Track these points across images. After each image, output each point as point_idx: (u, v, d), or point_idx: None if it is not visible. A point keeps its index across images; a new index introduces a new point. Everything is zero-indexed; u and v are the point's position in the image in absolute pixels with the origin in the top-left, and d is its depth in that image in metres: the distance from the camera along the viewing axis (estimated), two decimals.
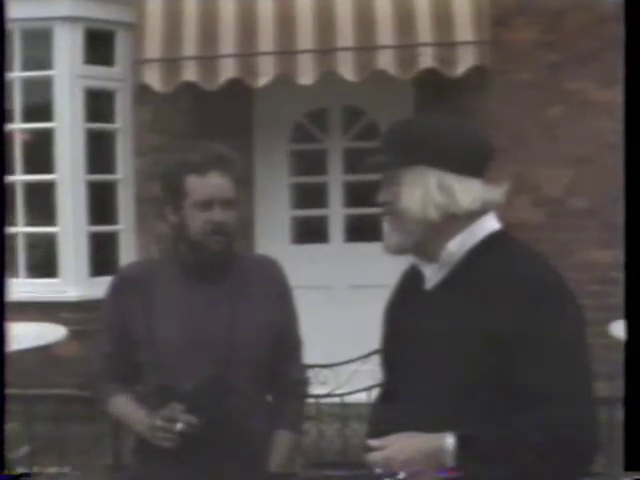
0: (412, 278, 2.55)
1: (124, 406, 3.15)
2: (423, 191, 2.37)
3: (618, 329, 5.22)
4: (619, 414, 5.17)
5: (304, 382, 3.35)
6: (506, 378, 2.23)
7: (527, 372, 2.22)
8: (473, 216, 2.40)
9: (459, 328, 2.30)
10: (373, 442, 2.31)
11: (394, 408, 2.43)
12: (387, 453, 2.27)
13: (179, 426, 2.87)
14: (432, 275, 2.44)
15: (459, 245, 2.39)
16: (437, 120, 2.51)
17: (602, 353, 6.35)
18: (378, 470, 2.31)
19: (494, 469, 2.20)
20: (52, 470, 6.11)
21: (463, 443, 2.20)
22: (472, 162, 2.40)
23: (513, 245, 2.42)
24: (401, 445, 2.27)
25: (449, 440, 2.21)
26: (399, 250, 2.47)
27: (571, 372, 2.23)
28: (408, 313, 2.50)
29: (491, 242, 2.41)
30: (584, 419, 2.22)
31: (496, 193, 2.42)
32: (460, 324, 2.30)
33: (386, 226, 2.49)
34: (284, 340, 3.18)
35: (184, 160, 3.05)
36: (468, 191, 2.37)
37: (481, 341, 2.25)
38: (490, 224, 2.43)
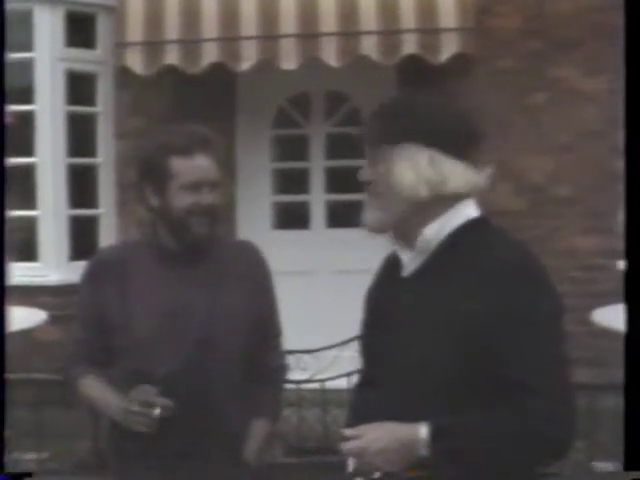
0: (392, 265, 2.53)
1: (96, 389, 3.12)
2: (415, 169, 2.33)
3: (601, 316, 5.23)
4: (600, 401, 5.21)
5: (282, 369, 3.34)
6: (480, 366, 2.22)
7: (501, 361, 2.21)
8: (453, 201, 2.37)
9: (434, 316, 2.29)
10: (348, 431, 2.31)
11: (372, 395, 2.42)
12: (361, 443, 2.26)
13: (157, 412, 2.84)
14: (409, 262, 2.42)
15: (436, 231, 2.37)
16: (427, 100, 2.49)
17: (585, 340, 6.39)
18: (351, 460, 2.32)
19: (468, 459, 2.21)
20: (31, 455, 6.09)
21: (437, 433, 2.20)
22: (461, 144, 2.38)
23: (491, 232, 2.40)
24: (375, 435, 2.26)
25: (423, 430, 2.21)
26: (379, 228, 2.43)
27: (547, 361, 2.22)
28: (386, 300, 2.49)
29: (469, 229, 2.38)
30: (559, 410, 2.21)
31: (480, 177, 2.39)
32: (436, 312, 2.29)
33: (368, 204, 2.45)
34: (263, 327, 3.17)
35: (168, 142, 3.03)
36: (457, 173, 2.35)
37: (455, 329, 2.24)
38: (469, 210, 2.41)
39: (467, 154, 2.38)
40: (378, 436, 2.25)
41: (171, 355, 2.97)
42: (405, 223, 2.39)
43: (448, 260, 2.35)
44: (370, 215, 2.44)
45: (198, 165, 2.99)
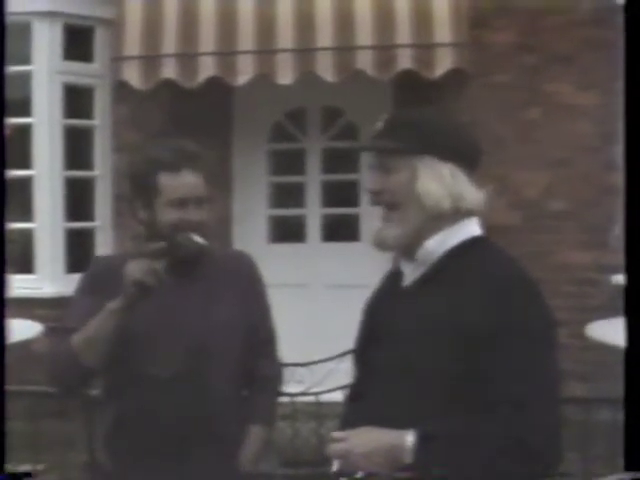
0: (393, 278, 2.56)
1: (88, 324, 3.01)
2: (440, 181, 2.36)
3: (595, 330, 5.25)
4: (594, 415, 5.22)
5: (277, 377, 3.36)
6: (472, 377, 2.24)
7: (491, 373, 2.23)
8: (460, 217, 2.41)
9: (432, 325, 2.31)
10: (336, 434, 2.33)
11: (364, 407, 2.44)
12: (347, 446, 2.28)
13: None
14: (411, 272, 2.45)
15: (437, 244, 2.40)
16: (442, 115, 2.54)
17: (579, 354, 6.42)
18: (336, 462, 2.33)
19: (452, 469, 2.21)
20: (26, 467, 6.09)
21: (422, 442, 2.21)
22: (473, 162, 2.43)
23: (493, 250, 2.43)
24: (362, 439, 2.28)
25: (409, 438, 2.22)
26: (397, 244, 2.43)
27: (536, 376, 2.24)
28: (385, 310, 2.51)
29: (471, 245, 2.41)
30: (544, 423, 2.22)
31: (483, 195, 2.43)
32: (433, 321, 2.31)
33: (384, 217, 2.45)
34: (257, 334, 3.20)
35: (156, 158, 3.06)
36: (472, 189, 2.39)
37: (451, 340, 2.26)
38: (473, 228, 2.44)
39: (475, 172, 2.43)
40: (364, 440, 2.27)
41: (166, 361, 2.99)
42: (419, 235, 2.41)
43: (448, 273, 2.37)
44: (388, 231, 2.43)
45: (184, 181, 3.02)
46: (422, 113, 2.54)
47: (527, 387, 2.21)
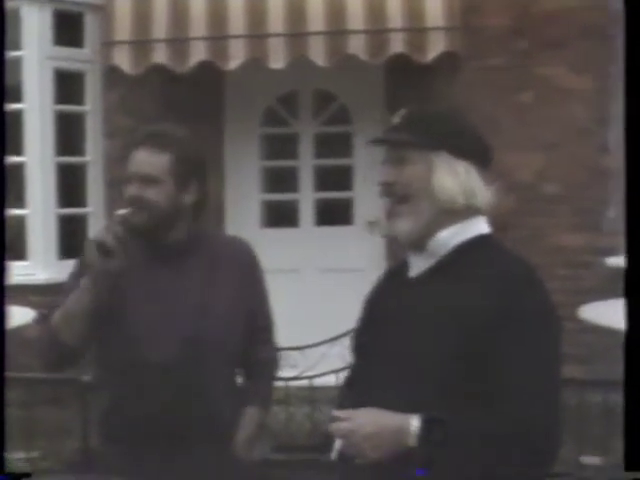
0: (399, 269, 2.57)
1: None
2: (455, 176, 2.39)
3: (588, 313, 5.26)
4: (588, 397, 5.24)
5: (273, 361, 3.35)
6: (470, 368, 2.25)
7: (493, 366, 2.24)
8: (469, 213, 2.43)
9: (436, 315, 2.33)
10: (338, 412, 2.32)
11: (362, 393, 2.44)
12: (350, 425, 2.28)
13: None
14: (419, 263, 2.46)
15: (450, 237, 2.42)
16: (458, 112, 2.62)
17: (573, 337, 6.41)
18: (338, 442, 2.33)
19: (454, 456, 2.22)
20: (20, 454, 6.09)
21: (427, 427, 2.21)
22: (486, 160, 2.48)
23: (500, 248, 2.46)
24: (366, 419, 2.28)
25: (414, 422, 2.22)
26: (409, 237, 2.44)
27: (538, 371, 2.25)
28: (390, 299, 2.52)
29: (480, 242, 2.44)
30: (545, 414, 2.24)
31: (491, 193, 2.47)
32: (437, 312, 2.33)
33: (397, 210, 2.45)
34: (253, 319, 3.19)
35: (128, 139, 3.09)
36: (484, 187, 2.43)
37: (457, 331, 2.27)
38: (482, 226, 2.48)
39: (487, 170, 2.47)
40: (368, 421, 2.27)
41: (162, 346, 2.99)
42: (430, 229, 2.42)
43: (456, 267, 2.39)
44: (401, 224, 2.44)
45: (135, 158, 3.03)
46: (439, 110, 2.62)
47: (528, 379, 2.23)
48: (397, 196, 2.44)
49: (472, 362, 2.25)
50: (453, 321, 2.28)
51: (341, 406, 2.52)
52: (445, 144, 2.40)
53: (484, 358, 2.25)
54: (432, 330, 2.32)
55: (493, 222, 2.50)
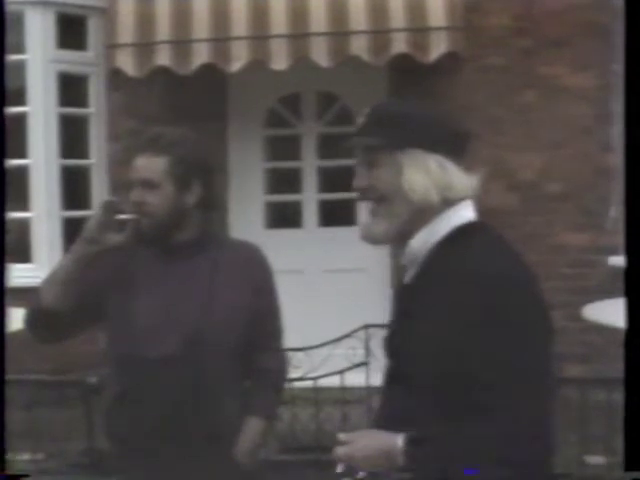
0: (403, 274, 2.54)
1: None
2: (426, 173, 2.32)
3: (591, 312, 5.26)
4: (590, 395, 5.24)
5: (280, 372, 3.34)
6: (453, 382, 2.22)
7: (477, 380, 2.19)
8: (446, 206, 2.36)
9: (422, 326, 2.29)
10: (342, 435, 2.33)
11: (383, 392, 2.47)
12: (349, 449, 2.30)
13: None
14: (410, 270, 2.43)
15: (423, 240, 2.36)
16: (420, 105, 2.49)
17: (576, 336, 6.43)
18: (340, 465, 2.35)
19: (437, 471, 2.20)
20: (26, 456, 6.10)
21: (411, 444, 2.21)
22: (459, 149, 2.39)
23: (484, 238, 2.36)
24: (363, 443, 2.30)
25: (399, 442, 2.23)
26: (385, 238, 2.42)
27: (524, 375, 2.18)
28: (393, 306, 2.52)
29: (462, 232, 2.35)
30: (533, 424, 2.18)
31: (475, 180, 2.38)
32: (424, 322, 2.29)
33: (368, 212, 2.43)
34: (259, 326, 3.17)
35: (132, 142, 3.12)
36: (460, 177, 2.35)
37: (440, 343, 2.23)
38: (463, 214, 2.38)
39: (463, 158, 2.39)
40: (365, 444, 2.29)
41: (162, 344, 3.00)
42: (405, 231, 2.38)
43: (437, 267, 2.33)
44: (375, 226, 2.41)
45: (136, 165, 3.06)
46: (403, 105, 2.48)
47: (515, 388, 2.17)
48: (372, 199, 2.42)
49: (448, 377, 2.22)
50: (433, 335, 2.24)
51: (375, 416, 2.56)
52: (413, 141, 2.33)
53: (458, 372, 2.20)
54: (416, 342, 2.29)
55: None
